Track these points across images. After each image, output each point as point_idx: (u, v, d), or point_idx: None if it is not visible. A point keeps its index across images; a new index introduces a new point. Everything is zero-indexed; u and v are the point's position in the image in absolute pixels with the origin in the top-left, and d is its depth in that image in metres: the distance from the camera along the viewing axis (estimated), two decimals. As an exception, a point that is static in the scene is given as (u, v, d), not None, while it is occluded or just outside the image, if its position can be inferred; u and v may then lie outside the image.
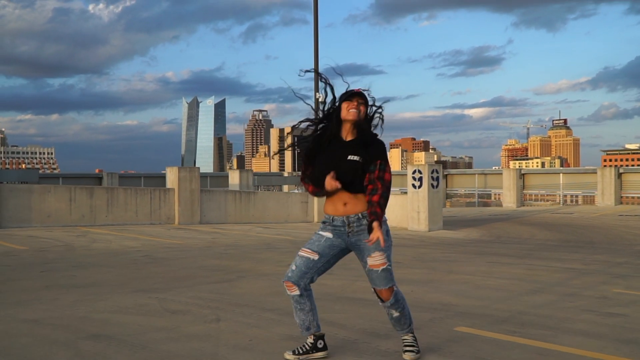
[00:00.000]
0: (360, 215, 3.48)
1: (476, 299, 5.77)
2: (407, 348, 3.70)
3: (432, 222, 15.77)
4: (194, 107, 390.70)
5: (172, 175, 16.84)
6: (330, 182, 3.36)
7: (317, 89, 21.94)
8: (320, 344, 3.69)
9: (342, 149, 3.45)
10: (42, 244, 10.78)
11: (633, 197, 29.82)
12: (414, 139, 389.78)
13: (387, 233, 3.49)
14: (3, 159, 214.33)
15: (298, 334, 4.30)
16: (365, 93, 3.52)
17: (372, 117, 3.55)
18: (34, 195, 14.81)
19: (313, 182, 3.49)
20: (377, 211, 3.33)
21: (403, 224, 16.50)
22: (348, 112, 3.46)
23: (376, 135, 3.54)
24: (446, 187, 31.95)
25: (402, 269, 8.13)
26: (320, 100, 22.61)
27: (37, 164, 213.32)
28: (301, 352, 3.67)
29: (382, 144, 3.51)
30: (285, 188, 26.66)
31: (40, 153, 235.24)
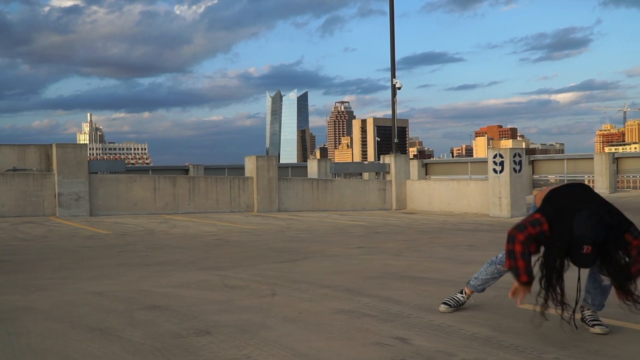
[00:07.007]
0: None
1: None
2: (597, 322, 3.70)
3: (515, 208, 15.15)
4: (277, 101, 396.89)
5: (250, 164, 17.18)
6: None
7: (393, 75, 21.68)
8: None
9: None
10: (126, 229, 11.26)
11: None
12: (501, 126, 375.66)
13: None
14: (102, 155, 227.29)
15: (349, 307, 4.21)
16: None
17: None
18: (121, 184, 15.53)
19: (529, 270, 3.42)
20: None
21: (484, 210, 15.99)
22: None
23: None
24: (532, 173, 30.70)
25: (474, 251, 7.85)
26: (397, 86, 22.27)
27: (132, 159, 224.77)
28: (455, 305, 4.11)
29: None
30: (365, 176, 26.55)
31: (134, 149, 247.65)
